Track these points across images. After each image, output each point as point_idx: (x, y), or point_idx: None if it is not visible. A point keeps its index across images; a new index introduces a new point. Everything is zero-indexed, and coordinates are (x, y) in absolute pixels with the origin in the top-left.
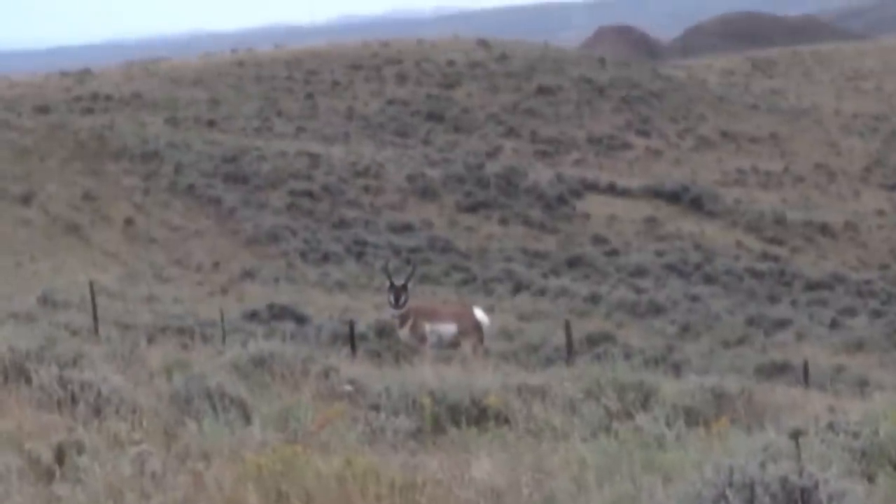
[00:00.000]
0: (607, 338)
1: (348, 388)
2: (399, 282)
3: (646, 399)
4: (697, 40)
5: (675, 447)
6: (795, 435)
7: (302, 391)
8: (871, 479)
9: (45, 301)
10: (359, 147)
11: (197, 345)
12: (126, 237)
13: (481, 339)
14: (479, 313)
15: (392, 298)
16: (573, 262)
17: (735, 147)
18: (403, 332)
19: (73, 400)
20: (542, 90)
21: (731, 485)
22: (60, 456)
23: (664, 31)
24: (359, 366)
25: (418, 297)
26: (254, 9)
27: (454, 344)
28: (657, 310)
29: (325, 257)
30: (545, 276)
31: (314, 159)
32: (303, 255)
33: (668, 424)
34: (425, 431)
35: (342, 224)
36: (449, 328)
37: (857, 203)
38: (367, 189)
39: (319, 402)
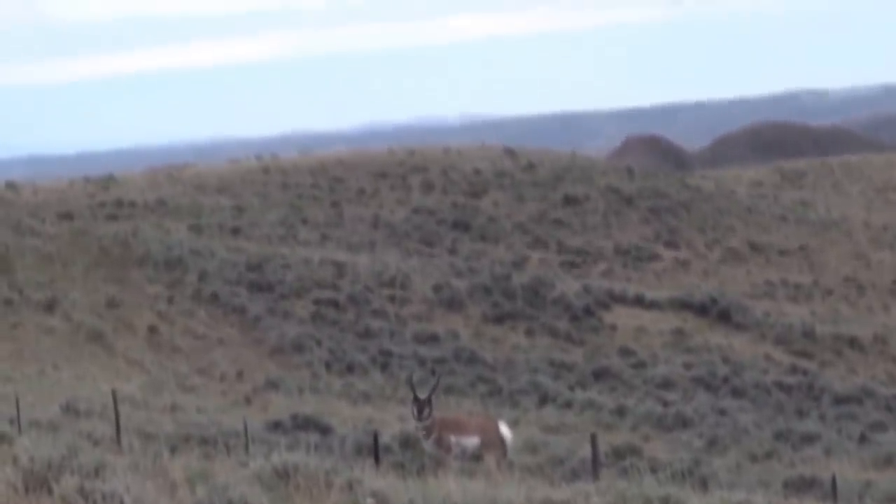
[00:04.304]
0: (634, 451)
1: (370, 501)
2: (423, 395)
3: None
4: (726, 151)
5: None
6: None
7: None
8: None
9: (68, 409)
10: (384, 256)
11: (220, 455)
12: (149, 345)
13: (505, 453)
14: (503, 427)
15: (416, 412)
16: (600, 374)
17: (764, 259)
18: (428, 445)
19: None
20: (569, 200)
21: None
22: None
23: (692, 141)
24: (383, 478)
25: (443, 409)
26: (279, 115)
27: (478, 456)
28: (684, 423)
29: (350, 368)
30: (571, 388)
31: (339, 268)
32: (327, 365)
33: None
34: None
35: (367, 334)
36: (473, 441)
37: (886, 316)
38: (392, 299)
39: None
